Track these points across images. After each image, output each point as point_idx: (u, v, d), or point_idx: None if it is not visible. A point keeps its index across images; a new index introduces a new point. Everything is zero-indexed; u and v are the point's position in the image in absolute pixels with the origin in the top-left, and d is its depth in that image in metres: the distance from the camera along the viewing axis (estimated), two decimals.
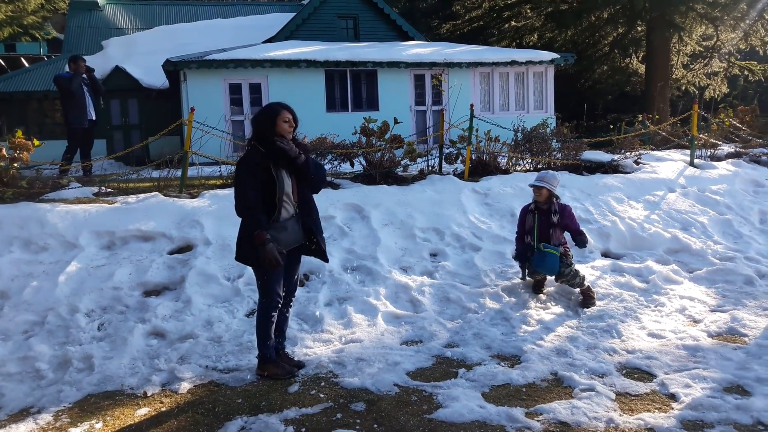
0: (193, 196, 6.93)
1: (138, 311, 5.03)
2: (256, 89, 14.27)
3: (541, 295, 5.56)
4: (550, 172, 5.65)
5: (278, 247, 3.85)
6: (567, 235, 5.63)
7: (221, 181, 7.75)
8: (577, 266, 5.60)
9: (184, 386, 4.02)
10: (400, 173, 8.18)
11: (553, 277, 5.50)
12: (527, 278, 5.64)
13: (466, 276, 5.91)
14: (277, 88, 14.19)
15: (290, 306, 4.32)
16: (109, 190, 7.30)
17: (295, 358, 4.36)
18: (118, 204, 6.49)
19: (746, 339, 4.69)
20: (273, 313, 4.05)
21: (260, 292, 4.05)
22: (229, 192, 6.88)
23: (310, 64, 14.20)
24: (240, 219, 3.95)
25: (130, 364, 4.34)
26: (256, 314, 4.14)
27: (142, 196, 6.78)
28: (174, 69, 13.77)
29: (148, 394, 3.94)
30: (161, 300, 5.20)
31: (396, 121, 8.18)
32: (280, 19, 19.50)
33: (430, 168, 8.53)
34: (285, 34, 17.02)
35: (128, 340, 4.58)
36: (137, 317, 4.93)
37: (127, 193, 7.08)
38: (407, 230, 6.58)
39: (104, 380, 4.12)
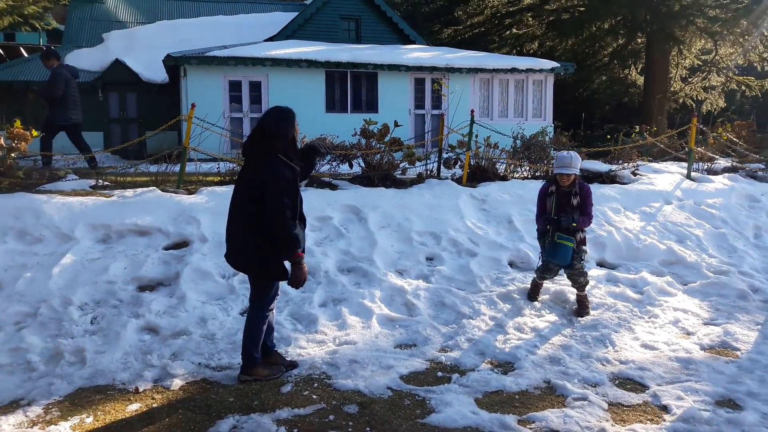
0: (190, 192, 6.91)
1: (132, 306, 5.01)
2: (256, 87, 14.25)
3: (536, 302, 5.57)
4: (572, 153, 5.37)
5: None
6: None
7: (219, 178, 7.73)
8: None
9: (176, 383, 4.01)
10: (398, 176, 8.18)
11: (563, 268, 5.44)
12: (538, 272, 5.58)
13: (462, 281, 5.91)
14: (278, 86, 14.19)
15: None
16: (106, 183, 7.27)
17: (288, 358, 4.35)
18: (114, 197, 6.46)
19: (738, 353, 4.70)
20: (268, 314, 4.05)
21: (258, 298, 3.99)
22: (227, 189, 6.86)
23: (311, 64, 14.21)
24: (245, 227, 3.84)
25: (123, 359, 4.32)
26: (248, 318, 4.05)
27: (139, 190, 6.76)
28: (174, 64, 13.74)
29: (140, 390, 3.92)
30: (155, 295, 5.18)
31: (396, 124, 8.19)
32: (282, 18, 19.51)
33: (428, 172, 8.54)
34: (287, 33, 17.01)
35: (121, 335, 4.55)
36: (131, 312, 4.91)
37: (124, 187, 7.06)
38: (404, 233, 6.58)
39: (96, 374, 4.10)
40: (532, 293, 5.64)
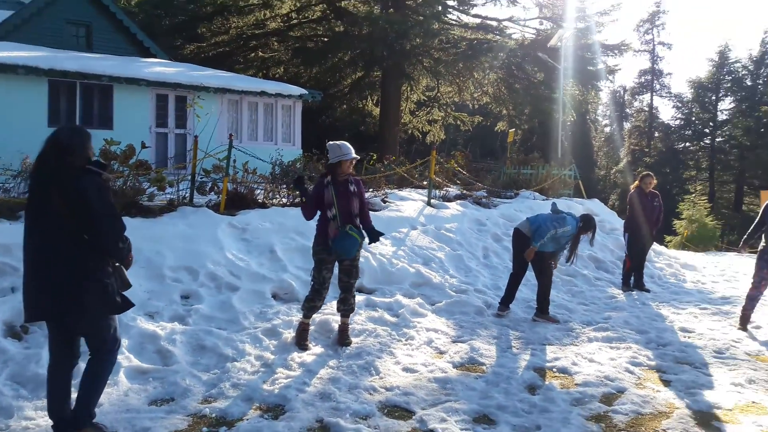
0: None
1: None
2: None
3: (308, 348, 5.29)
4: (344, 142, 5.39)
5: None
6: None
7: None
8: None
9: None
10: (145, 204, 7.39)
11: (346, 261, 5.35)
12: (307, 300, 5.37)
13: (223, 319, 5.51)
14: None
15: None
16: None
17: None
18: None
19: (484, 368, 5.17)
20: (115, 361, 3.59)
21: (106, 342, 3.47)
22: None
23: (30, 71, 12.23)
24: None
25: None
26: (96, 367, 3.49)
27: None
28: None
29: None
30: None
31: (143, 146, 7.42)
32: None
33: (180, 199, 7.88)
34: None
35: None
36: None
37: None
38: (154, 270, 5.93)
39: None
40: (300, 339, 5.31)
